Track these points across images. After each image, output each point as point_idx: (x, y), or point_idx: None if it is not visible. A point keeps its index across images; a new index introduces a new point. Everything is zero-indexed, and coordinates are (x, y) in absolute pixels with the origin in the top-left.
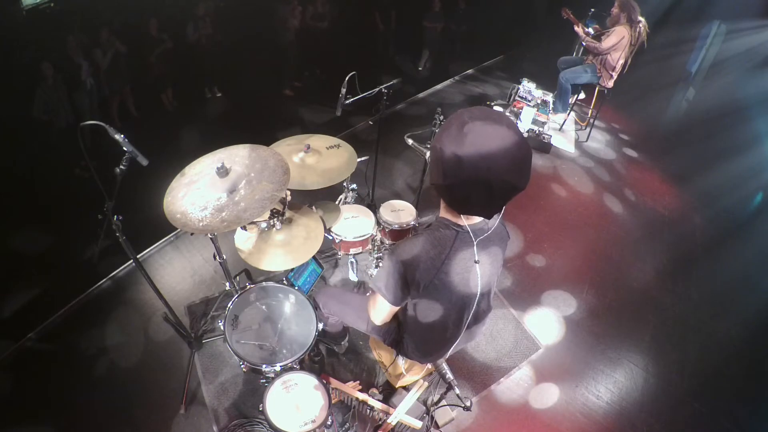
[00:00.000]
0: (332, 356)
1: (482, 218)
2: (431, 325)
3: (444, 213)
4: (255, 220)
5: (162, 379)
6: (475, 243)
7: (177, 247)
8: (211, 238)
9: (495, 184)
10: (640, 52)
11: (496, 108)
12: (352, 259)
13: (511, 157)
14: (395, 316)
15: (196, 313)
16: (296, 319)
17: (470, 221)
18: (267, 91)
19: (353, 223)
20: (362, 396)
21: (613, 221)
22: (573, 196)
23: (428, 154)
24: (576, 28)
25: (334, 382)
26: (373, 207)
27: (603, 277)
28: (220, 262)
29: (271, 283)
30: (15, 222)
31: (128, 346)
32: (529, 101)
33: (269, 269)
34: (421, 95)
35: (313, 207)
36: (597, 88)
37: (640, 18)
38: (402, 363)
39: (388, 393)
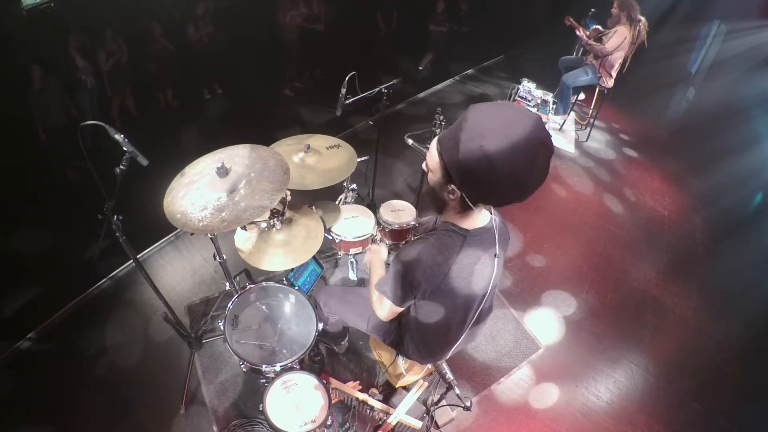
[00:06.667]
0: (332, 356)
1: (485, 221)
2: (433, 326)
3: (449, 217)
4: (255, 220)
5: (162, 379)
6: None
7: (177, 247)
8: (211, 238)
9: (540, 159)
10: (641, 51)
11: None
12: (352, 259)
13: (546, 138)
14: (396, 316)
15: (196, 313)
16: (296, 319)
17: (474, 225)
18: (267, 91)
19: (353, 223)
20: (362, 396)
21: (613, 221)
22: (573, 196)
23: (433, 149)
24: (578, 32)
25: (334, 382)
26: (373, 207)
27: (603, 277)
28: (220, 262)
29: (271, 283)
30: (15, 222)
31: (128, 346)
32: (529, 101)
33: (269, 269)
34: (421, 95)
35: (313, 207)
36: (597, 88)
37: (640, 17)
38: (402, 363)
39: (388, 393)
